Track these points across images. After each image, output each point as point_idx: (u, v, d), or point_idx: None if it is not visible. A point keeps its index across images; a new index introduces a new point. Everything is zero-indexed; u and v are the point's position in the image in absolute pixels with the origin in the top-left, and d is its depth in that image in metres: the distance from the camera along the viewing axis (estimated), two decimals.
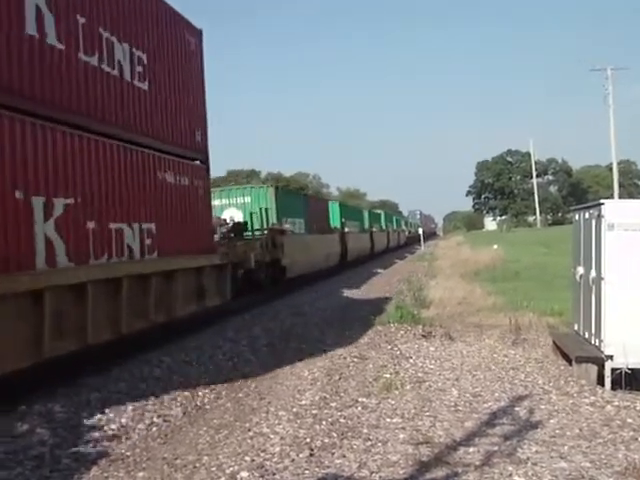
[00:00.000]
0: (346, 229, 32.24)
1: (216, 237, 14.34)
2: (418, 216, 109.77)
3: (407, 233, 73.91)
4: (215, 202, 19.68)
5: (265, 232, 18.75)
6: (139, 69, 9.58)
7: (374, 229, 44.08)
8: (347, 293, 21.25)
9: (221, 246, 13.42)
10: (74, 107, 7.96)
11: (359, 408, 7.22)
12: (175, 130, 10.77)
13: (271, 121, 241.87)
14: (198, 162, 11.76)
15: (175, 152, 10.70)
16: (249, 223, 18.69)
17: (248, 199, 20.51)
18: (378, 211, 57.70)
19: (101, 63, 8.54)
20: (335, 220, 31.29)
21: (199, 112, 11.92)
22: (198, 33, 11.95)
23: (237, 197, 20.72)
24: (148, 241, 9.49)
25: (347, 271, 30.19)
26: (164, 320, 10.09)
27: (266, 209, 19.60)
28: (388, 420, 6.72)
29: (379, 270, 32.40)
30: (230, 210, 19.74)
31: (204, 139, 12.02)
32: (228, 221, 17.31)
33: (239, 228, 17.32)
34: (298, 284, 21.76)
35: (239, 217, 18.94)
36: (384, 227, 52.15)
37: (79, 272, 7.71)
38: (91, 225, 8.05)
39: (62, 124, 7.61)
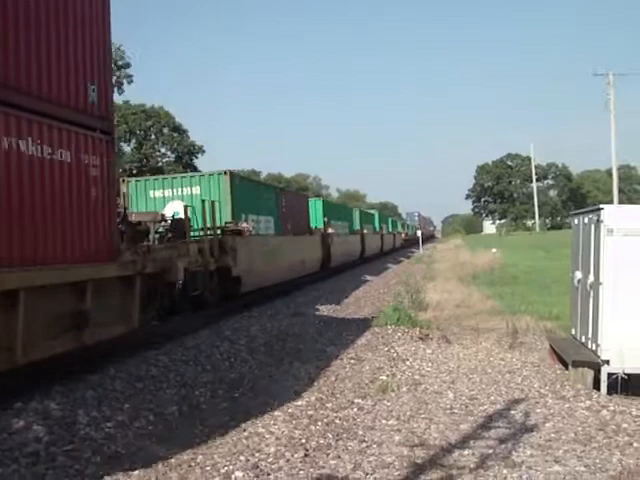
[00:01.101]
0: (330, 230, 28.62)
1: (151, 237, 12.16)
2: (416, 218, 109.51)
3: (404, 236, 72.73)
4: (156, 193, 16.89)
5: (210, 232, 14.89)
6: None
7: (365, 230, 40.68)
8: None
9: (127, 251, 9.52)
10: None
11: (355, 409, 7.24)
12: (47, 80, 7.39)
13: (273, 122, 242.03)
14: (97, 132, 8.31)
15: (45, 111, 7.29)
16: (192, 220, 14.44)
17: (197, 190, 16.61)
18: (371, 211, 54.68)
19: None
20: (317, 219, 27.67)
21: (95, 60, 8.32)
22: None
23: (183, 187, 16.85)
24: None
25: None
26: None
27: (212, 202, 15.27)
28: (384, 422, 6.73)
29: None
30: (174, 203, 15.55)
31: (105, 99, 8.54)
32: (167, 217, 13.68)
33: (181, 226, 13.62)
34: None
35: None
36: (378, 229, 49.88)
37: None
38: None
39: None
